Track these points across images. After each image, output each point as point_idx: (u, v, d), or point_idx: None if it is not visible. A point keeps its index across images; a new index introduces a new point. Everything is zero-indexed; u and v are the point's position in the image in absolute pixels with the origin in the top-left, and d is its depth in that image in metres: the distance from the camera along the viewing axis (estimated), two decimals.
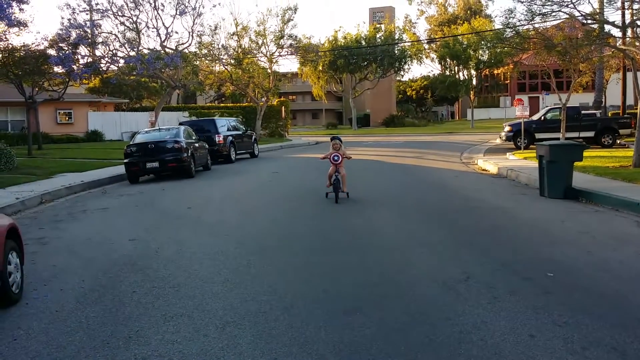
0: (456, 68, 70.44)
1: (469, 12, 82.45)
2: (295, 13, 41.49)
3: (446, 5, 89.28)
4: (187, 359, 4.55)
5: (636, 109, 18.69)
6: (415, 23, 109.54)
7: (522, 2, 18.39)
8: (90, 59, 30.48)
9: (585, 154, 14.03)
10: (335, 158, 12.34)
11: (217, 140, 24.52)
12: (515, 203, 11.94)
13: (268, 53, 42.44)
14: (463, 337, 4.77)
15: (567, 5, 17.61)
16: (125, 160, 18.81)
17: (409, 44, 67.74)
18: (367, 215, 10.00)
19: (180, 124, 26.65)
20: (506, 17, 21.87)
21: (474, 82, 68.67)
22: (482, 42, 59.21)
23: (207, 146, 22.41)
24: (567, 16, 19.01)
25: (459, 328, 4.98)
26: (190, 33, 33.01)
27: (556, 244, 8.04)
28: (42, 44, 27.42)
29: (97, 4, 29.84)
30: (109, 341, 4.98)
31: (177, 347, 4.78)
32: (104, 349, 4.80)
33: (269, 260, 7.60)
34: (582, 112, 27.51)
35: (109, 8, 29.92)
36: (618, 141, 26.46)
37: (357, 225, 9.51)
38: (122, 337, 5.04)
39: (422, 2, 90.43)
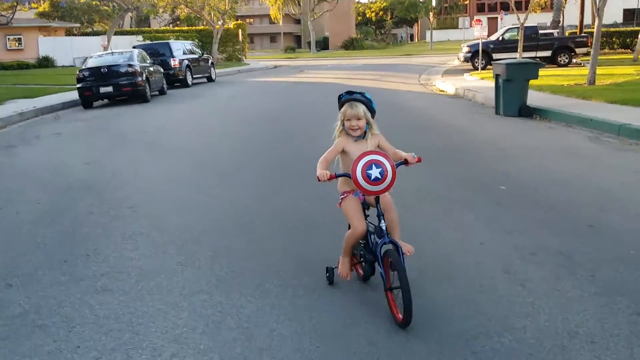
0: None
1: None
2: None
3: None
4: (146, 274, 4.58)
5: (593, 28, 18.79)
6: None
7: None
8: None
9: (541, 72, 14.14)
10: (375, 177, 3.68)
11: (172, 64, 23.99)
12: (471, 122, 12.08)
13: None
14: (416, 248, 4.89)
15: None
16: (78, 85, 18.33)
17: None
18: (323, 134, 9.98)
19: (134, 47, 25.93)
20: None
21: (434, 3, 68.00)
22: None
23: (162, 70, 21.92)
24: None
25: (412, 239, 5.09)
26: None
27: (509, 160, 8.20)
28: None
29: None
30: (67, 259, 4.97)
31: (135, 264, 4.81)
32: (62, 267, 4.81)
33: (228, 181, 7.61)
34: (540, 31, 27.59)
35: None
36: (574, 60, 26.72)
37: (313, 148, 9.50)
38: (80, 256, 5.05)
39: None
